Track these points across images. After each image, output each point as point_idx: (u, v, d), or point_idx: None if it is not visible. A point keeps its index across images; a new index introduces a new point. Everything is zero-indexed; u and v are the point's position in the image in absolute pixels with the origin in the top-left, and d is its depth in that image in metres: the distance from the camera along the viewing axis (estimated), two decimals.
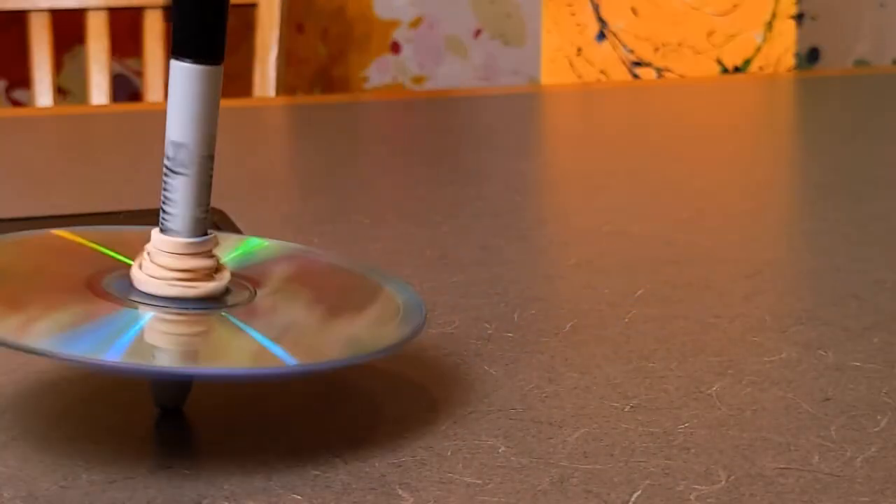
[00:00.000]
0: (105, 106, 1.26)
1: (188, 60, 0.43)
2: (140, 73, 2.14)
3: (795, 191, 0.81)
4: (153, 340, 0.42)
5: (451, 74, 2.35)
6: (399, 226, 0.72)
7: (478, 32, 2.35)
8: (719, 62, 2.08)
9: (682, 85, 1.32)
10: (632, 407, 0.45)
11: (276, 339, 0.42)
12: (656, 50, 2.08)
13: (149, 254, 0.45)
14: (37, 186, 0.83)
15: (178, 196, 0.44)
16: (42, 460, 0.42)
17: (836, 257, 0.64)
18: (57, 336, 0.40)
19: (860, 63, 2.15)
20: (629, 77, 2.11)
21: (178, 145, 0.44)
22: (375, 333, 0.44)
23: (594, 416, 0.45)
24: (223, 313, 0.44)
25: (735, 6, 2.06)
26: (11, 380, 0.49)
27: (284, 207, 0.77)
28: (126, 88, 2.22)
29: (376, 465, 0.41)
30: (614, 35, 2.09)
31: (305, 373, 0.43)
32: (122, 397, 0.47)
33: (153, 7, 1.67)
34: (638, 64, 2.09)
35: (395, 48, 2.35)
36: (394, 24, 2.34)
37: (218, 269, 0.45)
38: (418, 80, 2.36)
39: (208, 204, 0.45)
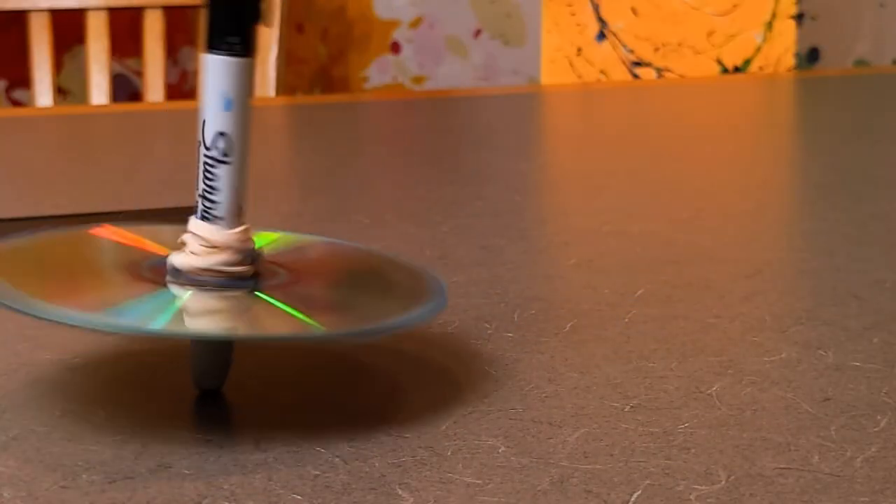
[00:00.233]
0: (105, 106, 1.26)
1: (226, 53, 0.45)
2: (140, 73, 2.14)
3: (795, 191, 0.81)
4: (194, 313, 0.45)
5: (451, 74, 2.35)
6: (399, 226, 0.72)
7: (478, 32, 2.35)
8: (719, 62, 2.08)
9: (682, 85, 1.32)
10: (632, 407, 0.45)
11: (308, 313, 0.45)
12: (656, 50, 2.08)
13: (189, 241, 0.46)
14: (37, 186, 0.83)
15: (222, 185, 0.46)
16: (42, 460, 0.42)
17: (836, 257, 0.64)
18: (105, 312, 0.43)
19: (860, 63, 2.15)
20: (629, 77, 2.11)
21: (220, 135, 0.45)
22: (399, 309, 0.47)
23: (594, 416, 0.45)
24: (258, 293, 0.46)
25: (735, 6, 2.06)
26: (11, 380, 0.49)
27: (284, 207, 0.77)
28: (126, 88, 2.22)
29: (376, 465, 0.41)
30: (614, 35, 2.09)
31: (335, 338, 0.46)
32: (122, 397, 0.47)
33: (153, 7, 1.67)
34: (638, 64, 2.09)
35: (395, 48, 2.35)
36: (394, 24, 2.34)
37: (255, 254, 0.47)
38: (418, 80, 2.36)
39: (245, 191, 0.47)
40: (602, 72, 2.11)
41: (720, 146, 0.95)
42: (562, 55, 2.11)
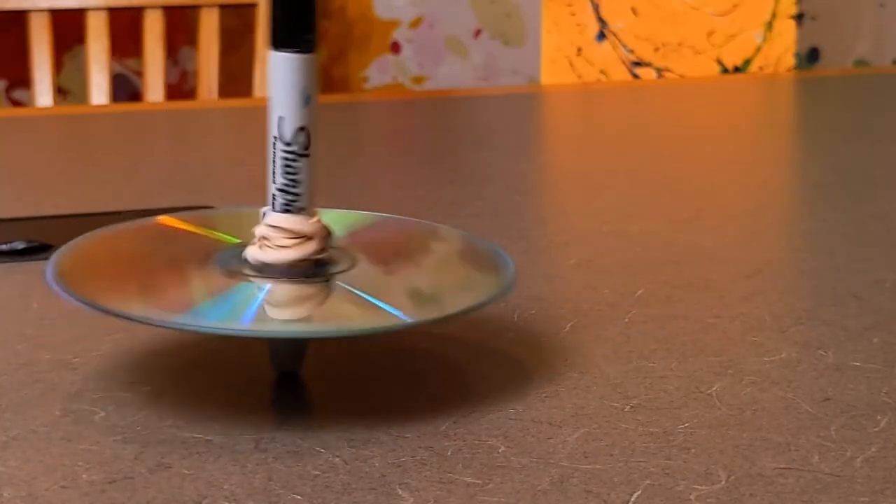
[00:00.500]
0: (105, 106, 1.26)
1: (302, 50, 0.47)
2: (140, 73, 2.14)
3: (795, 191, 0.81)
4: (277, 307, 0.46)
5: (451, 74, 2.35)
6: None
7: (478, 32, 2.35)
8: (719, 62, 2.08)
9: (682, 85, 1.32)
10: (632, 407, 0.45)
11: (385, 299, 0.46)
12: (656, 50, 2.08)
13: (272, 235, 0.47)
14: (37, 186, 0.83)
15: (303, 177, 0.47)
16: (42, 460, 0.42)
17: (836, 257, 0.64)
18: (191, 311, 0.45)
19: (860, 63, 2.15)
20: (629, 77, 2.11)
21: (300, 130, 0.47)
22: (471, 288, 0.48)
23: (594, 416, 0.45)
24: (336, 281, 0.47)
25: (735, 6, 2.06)
26: (11, 380, 0.49)
27: None
28: (126, 88, 2.22)
29: (376, 465, 0.41)
30: (614, 35, 2.09)
31: (415, 325, 0.47)
32: (122, 397, 0.47)
33: (153, 7, 1.67)
34: (638, 64, 2.09)
35: (395, 48, 2.35)
36: (394, 24, 2.34)
37: (330, 240, 0.49)
38: (418, 80, 2.36)
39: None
40: (602, 72, 2.11)
41: (720, 146, 0.95)
42: (562, 55, 2.11)
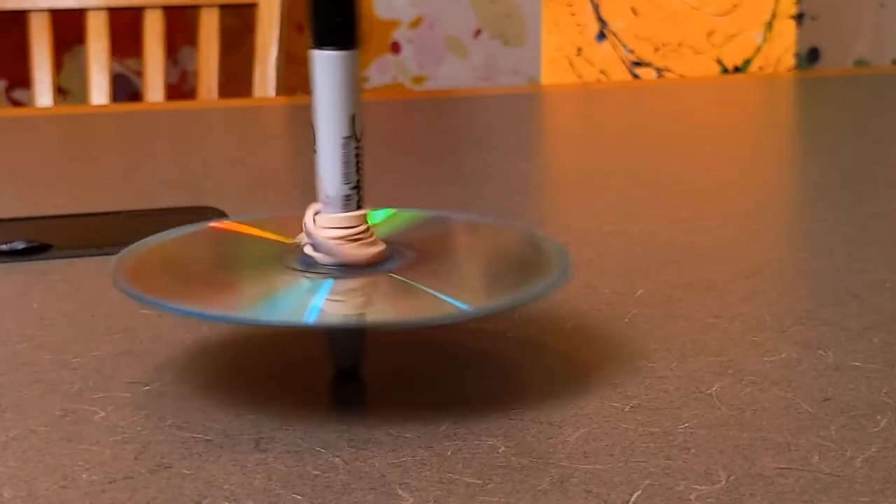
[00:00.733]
0: (105, 106, 1.26)
1: (343, 48, 0.47)
2: (140, 73, 2.14)
3: (795, 191, 0.81)
4: (340, 301, 0.46)
5: (451, 74, 2.35)
6: None
7: (478, 32, 2.35)
8: (719, 62, 2.08)
9: (682, 85, 1.32)
10: (632, 407, 0.45)
11: (444, 290, 0.46)
12: (656, 50, 2.08)
13: (341, 233, 0.47)
14: (37, 186, 0.83)
15: (363, 172, 0.48)
16: (42, 460, 0.42)
17: (836, 257, 0.64)
18: (254, 307, 0.46)
19: (860, 63, 2.15)
20: (629, 77, 2.11)
21: (357, 126, 0.47)
22: (528, 279, 0.48)
23: (594, 416, 0.45)
24: (392, 274, 0.47)
25: (735, 6, 2.06)
26: (11, 380, 0.49)
27: (284, 207, 0.77)
28: (126, 88, 2.22)
29: (376, 465, 0.41)
30: (614, 35, 2.09)
31: (478, 315, 0.47)
32: (122, 398, 0.47)
33: (153, 7, 1.67)
34: (638, 64, 2.09)
35: (395, 48, 2.35)
36: (394, 24, 2.34)
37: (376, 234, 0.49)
38: (418, 80, 2.36)
39: None
40: (602, 72, 2.11)
41: (720, 146, 0.95)
42: (562, 55, 2.11)
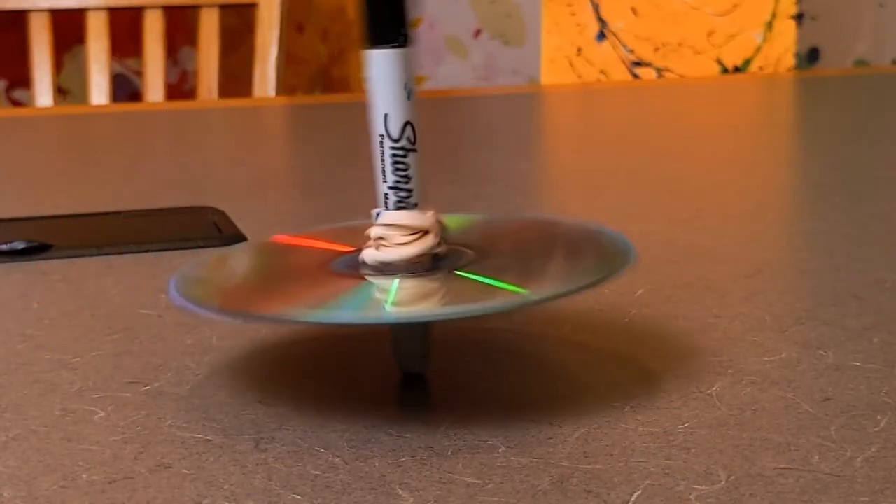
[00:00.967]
0: (105, 106, 1.26)
1: (402, 45, 0.47)
2: (140, 73, 2.14)
3: (795, 191, 0.81)
4: (410, 298, 0.46)
5: (451, 74, 2.35)
6: None
7: (478, 32, 2.35)
8: (719, 62, 2.08)
9: (682, 85, 1.32)
10: (632, 407, 0.45)
11: (510, 281, 0.46)
12: (656, 50, 2.08)
13: (389, 234, 0.47)
14: (37, 186, 0.83)
15: (413, 172, 0.48)
16: (42, 460, 0.42)
17: (836, 257, 0.64)
18: (320, 309, 0.45)
19: (860, 63, 2.15)
20: (629, 77, 2.11)
21: (407, 125, 0.48)
22: (590, 269, 0.48)
23: (594, 416, 0.45)
24: (457, 272, 0.47)
25: (735, 6, 2.06)
26: (11, 380, 0.49)
27: (284, 207, 0.77)
28: (126, 88, 2.22)
29: (376, 465, 0.41)
30: (614, 35, 2.09)
31: (547, 301, 0.46)
32: (122, 398, 0.47)
33: (153, 7, 1.67)
34: (638, 64, 2.09)
35: None
36: None
37: (445, 235, 0.49)
38: (418, 80, 2.37)
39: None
40: (602, 72, 2.11)
41: (720, 146, 0.95)
42: (562, 55, 2.11)
